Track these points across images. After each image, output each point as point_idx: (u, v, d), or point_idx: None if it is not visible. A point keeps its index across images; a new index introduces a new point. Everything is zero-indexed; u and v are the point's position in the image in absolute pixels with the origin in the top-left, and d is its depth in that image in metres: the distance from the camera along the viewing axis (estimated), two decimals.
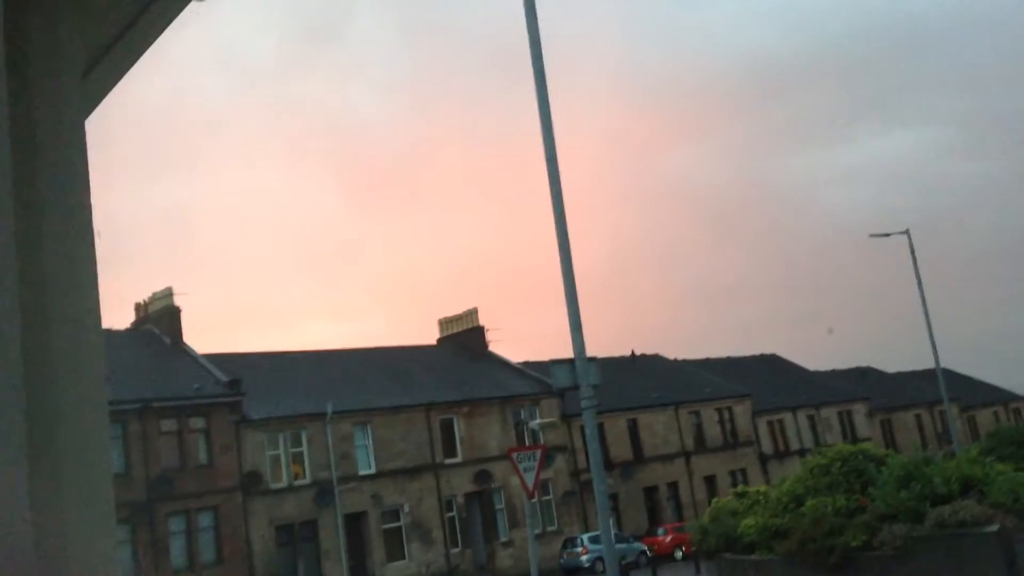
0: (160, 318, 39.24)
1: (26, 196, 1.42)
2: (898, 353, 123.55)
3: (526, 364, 47.07)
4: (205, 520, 33.54)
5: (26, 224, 1.39)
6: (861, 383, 65.60)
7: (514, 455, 17.14)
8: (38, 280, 1.38)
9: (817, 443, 51.11)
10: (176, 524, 32.87)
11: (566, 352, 14.23)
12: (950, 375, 53.62)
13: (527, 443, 40.00)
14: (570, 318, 13.91)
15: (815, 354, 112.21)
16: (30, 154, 1.44)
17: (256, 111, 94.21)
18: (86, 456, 1.38)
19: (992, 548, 13.80)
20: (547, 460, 34.26)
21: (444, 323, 49.83)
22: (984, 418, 69.71)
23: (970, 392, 71.07)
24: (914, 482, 16.24)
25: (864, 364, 70.74)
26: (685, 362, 57.99)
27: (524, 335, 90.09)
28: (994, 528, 13.93)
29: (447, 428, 41.30)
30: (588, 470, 33.81)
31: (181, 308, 39.26)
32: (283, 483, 35.92)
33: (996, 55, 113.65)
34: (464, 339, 48.37)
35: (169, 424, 33.56)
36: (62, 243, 1.45)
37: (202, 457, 34.22)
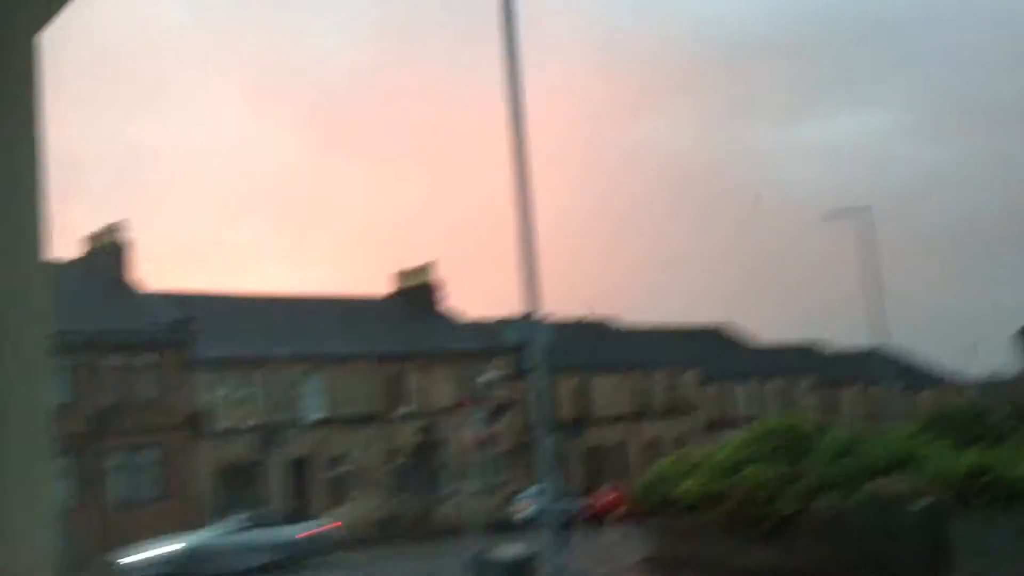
0: (110, 252, 38.52)
1: None
2: (846, 330, 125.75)
3: (480, 321, 47.16)
4: (149, 456, 33.38)
5: None
6: (806, 358, 66.84)
7: (463, 408, 17.26)
8: None
9: (761, 413, 52.10)
10: (119, 459, 32.67)
11: (520, 311, 14.30)
12: (895, 354, 54.82)
13: (477, 398, 40.19)
14: (526, 277, 13.97)
15: (764, 327, 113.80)
16: None
17: (216, 48, 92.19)
18: (28, 394, 1.37)
19: (922, 522, 14.25)
20: (495, 416, 34.56)
21: (401, 275, 49.69)
22: (926, 398, 71.47)
23: (915, 372, 72.75)
24: (850, 455, 16.67)
25: (811, 339, 71.96)
26: (636, 327, 58.54)
27: (481, 292, 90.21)
28: (926, 503, 14.37)
29: (397, 380, 41.37)
30: (536, 427, 34.16)
31: (132, 242, 38.67)
32: (230, 424, 35.81)
33: (952, 41, 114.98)
34: (419, 293, 48.27)
35: (116, 359, 33.17)
36: (8, 169, 1.39)
37: (149, 393, 33.94)
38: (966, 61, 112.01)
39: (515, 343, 14.48)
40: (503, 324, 15.03)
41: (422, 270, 49.12)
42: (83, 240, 39.72)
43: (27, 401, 1.36)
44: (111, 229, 39.02)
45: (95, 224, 41.68)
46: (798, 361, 65.09)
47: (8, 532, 1.28)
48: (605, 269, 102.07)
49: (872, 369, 58.38)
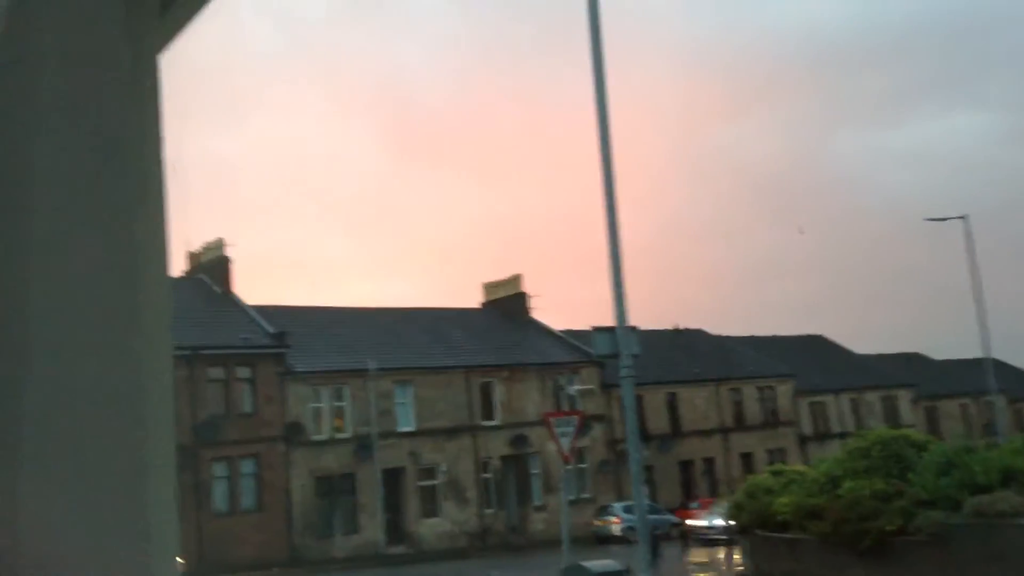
0: (211, 268, 39.94)
1: (96, 135, 1.40)
2: (947, 341, 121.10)
3: (567, 332, 47.11)
4: (247, 467, 34.35)
5: (97, 163, 1.39)
6: (907, 369, 64.66)
7: (551, 419, 17.28)
8: (106, 228, 1.38)
9: (859, 427, 50.58)
10: (219, 469, 33.71)
11: (608, 323, 14.26)
12: (1000, 366, 52.64)
13: (565, 410, 40.17)
14: (613, 287, 13.94)
15: (861, 337, 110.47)
16: (100, 88, 1.40)
17: (304, 63, 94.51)
18: (157, 403, 1.47)
19: None
20: (584, 428, 34.47)
21: (488, 287, 50.02)
22: None
23: (1020, 384, 69.72)
24: (954, 470, 16.08)
25: (912, 350, 69.63)
26: (728, 338, 57.58)
27: (567, 304, 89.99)
28: None
29: (486, 391, 41.63)
30: (625, 440, 33.93)
31: (232, 259, 39.96)
32: (324, 435, 36.59)
33: None
34: (507, 304, 48.51)
35: (216, 372, 34.30)
36: (139, 186, 1.44)
37: (247, 406, 34.96)
38: None
39: (604, 354, 14.42)
40: (591, 335, 14.99)
41: (510, 282, 49.36)
42: (187, 256, 41.29)
43: (156, 410, 1.47)
44: (213, 245, 40.42)
45: (195, 239, 43.15)
46: (899, 372, 63.03)
47: (137, 532, 1.36)
48: (695, 278, 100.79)
49: (976, 380, 56.23)
